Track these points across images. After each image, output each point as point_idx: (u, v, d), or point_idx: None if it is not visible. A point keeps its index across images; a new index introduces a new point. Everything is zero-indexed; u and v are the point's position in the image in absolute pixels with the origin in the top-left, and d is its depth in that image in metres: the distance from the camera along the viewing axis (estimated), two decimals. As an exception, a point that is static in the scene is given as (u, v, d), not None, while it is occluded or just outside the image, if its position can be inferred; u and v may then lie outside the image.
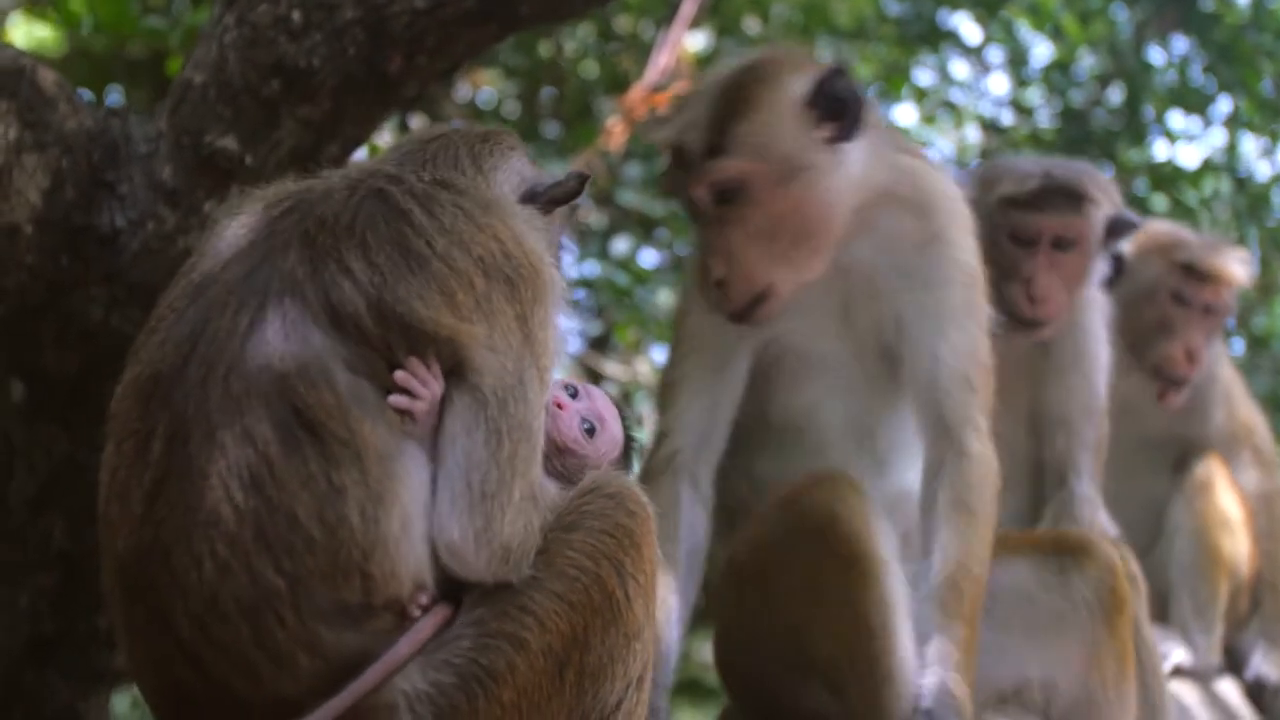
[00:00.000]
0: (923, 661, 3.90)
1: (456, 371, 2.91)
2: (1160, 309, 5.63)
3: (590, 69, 10.62)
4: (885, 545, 3.97)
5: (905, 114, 11.39)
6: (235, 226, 3.04)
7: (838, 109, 3.98)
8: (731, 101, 4.01)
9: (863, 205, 4.09)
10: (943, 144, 11.39)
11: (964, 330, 4.05)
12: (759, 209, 3.98)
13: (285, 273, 2.89)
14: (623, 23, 10.51)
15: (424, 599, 2.84)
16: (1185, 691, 5.52)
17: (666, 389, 4.30)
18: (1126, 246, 5.34)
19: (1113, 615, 4.29)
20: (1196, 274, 5.63)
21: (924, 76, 11.27)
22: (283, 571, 2.73)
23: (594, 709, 2.94)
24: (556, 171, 3.43)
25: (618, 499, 3.02)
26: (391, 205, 2.98)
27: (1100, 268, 5.06)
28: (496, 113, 10.07)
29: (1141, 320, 5.61)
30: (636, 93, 7.81)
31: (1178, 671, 5.55)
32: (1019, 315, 4.87)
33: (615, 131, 7.76)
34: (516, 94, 10.34)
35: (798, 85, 4.00)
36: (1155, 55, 10.73)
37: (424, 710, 2.79)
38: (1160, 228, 5.93)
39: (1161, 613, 5.61)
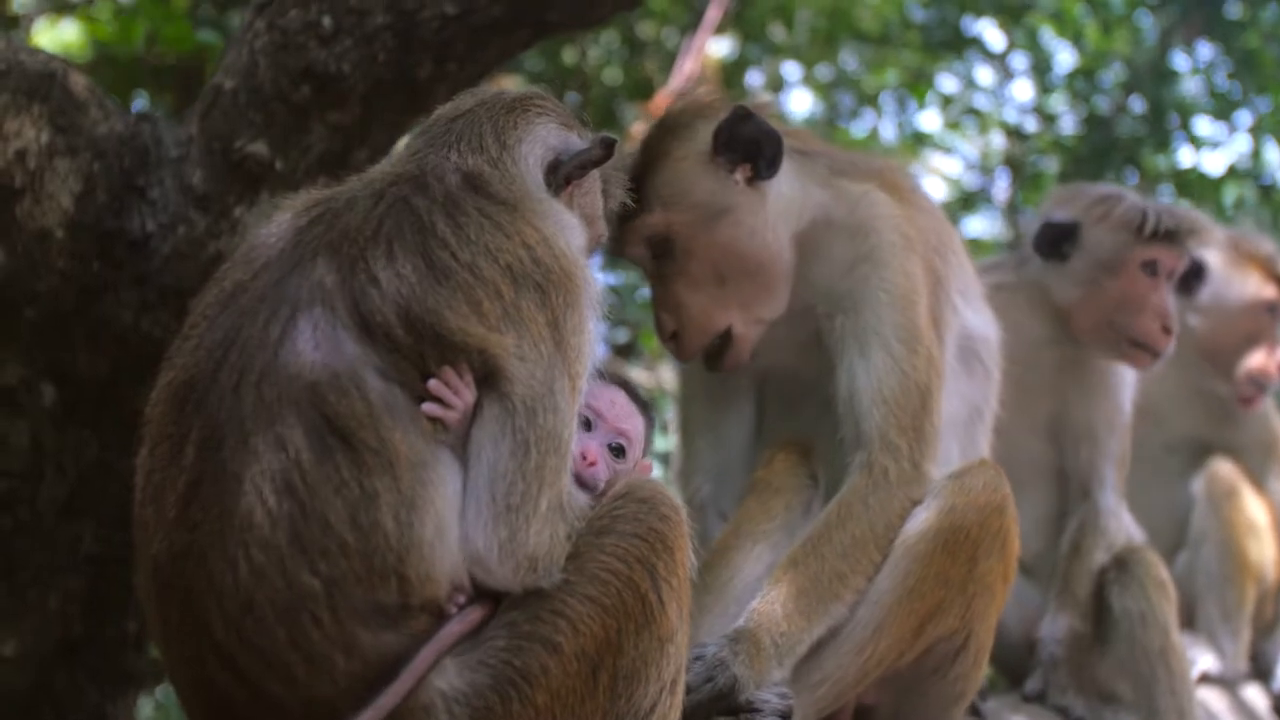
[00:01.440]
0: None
1: (488, 380, 2.91)
2: (1256, 322, 5.70)
3: (614, 75, 10.63)
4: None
5: (930, 120, 11.41)
6: (265, 235, 3.06)
7: (751, 149, 4.03)
8: (646, 157, 4.11)
9: (804, 232, 4.14)
10: (967, 150, 11.40)
11: (888, 350, 4.00)
12: (693, 257, 4.05)
13: (314, 283, 2.90)
14: (647, 29, 10.53)
15: (461, 599, 2.84)
16: (1213, 698, 5.49)
17: (682, 433, 4.41)
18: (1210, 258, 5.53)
19: None
20: None
21: (948, 83, 11.29)
22: (318, 574, 2.73)
23: (628, 712, 2.94)
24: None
25: (650, 503, 3.02)
26: (416, 216, 2.98)
27: None
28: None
29: (1232, 333, 5.67)
30: (661, 99, 7.82)
31: (1205, 678, 5.53)
32: (1151, 347, 4.90)
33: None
34: (541, 100, 10.35)
35: (705, 133, 4.06)
36: (1180, 62, 10.71)
37: (460, 711, 2.80)
38: (1250, 242, 5.93)
39: (1187, 619, 5.59)
